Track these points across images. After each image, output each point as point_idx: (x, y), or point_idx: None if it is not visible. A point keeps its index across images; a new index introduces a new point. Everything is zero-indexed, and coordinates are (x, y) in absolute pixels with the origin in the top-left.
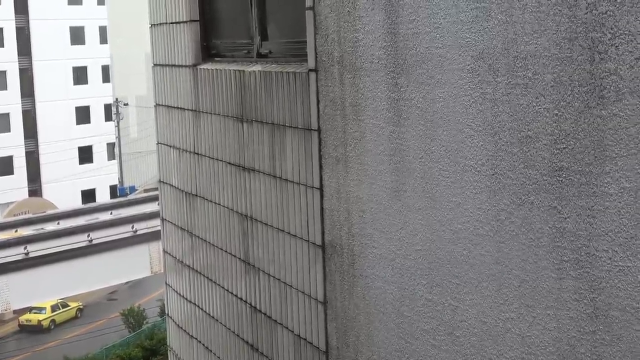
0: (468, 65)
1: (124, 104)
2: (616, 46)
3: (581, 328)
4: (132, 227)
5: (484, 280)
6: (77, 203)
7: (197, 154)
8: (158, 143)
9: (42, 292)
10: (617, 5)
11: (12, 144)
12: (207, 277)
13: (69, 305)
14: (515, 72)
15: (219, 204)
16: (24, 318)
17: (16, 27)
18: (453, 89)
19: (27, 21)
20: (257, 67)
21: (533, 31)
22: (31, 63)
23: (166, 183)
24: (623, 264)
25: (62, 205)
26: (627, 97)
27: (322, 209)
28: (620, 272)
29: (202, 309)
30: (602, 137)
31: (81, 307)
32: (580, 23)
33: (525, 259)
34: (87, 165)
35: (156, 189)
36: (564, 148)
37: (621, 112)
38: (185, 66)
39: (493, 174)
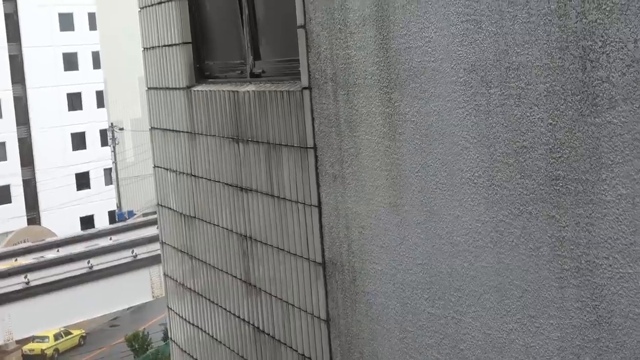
0: (461, 77)
1: (120, 129)
2: (607, 54)
3: (585, 336)
4: (132, 252)
5: (486, 291)
6: (76, 230)
7: (194, 175)
8: (155, 166)
9: (44, 320)
10: (607, 14)
11: (9, 172)
12: (209, 299)
13: (71, 333)
14: (508, 83)
15: (218, 225)
16: (27, 348)
17: (9, 55)
18: (447, 102)
19: (20, 49)
20: (250, 87)
21: (524, 42)
22: (25, 90)
23: (164, 206)
24: (624, 270)
25: (61, 233)
26: (620, 104)
27: (321, 226)
28: (622, 279)
29: (205, 332)
30: (597, 145)
31: (84, 334)
32: (571, 32)
33: (526, 269)
34: (84, 192)
35: (155, 212)
36: (559, 157)
37: (615, 119)
38: (179, 88)
39: (490, 186)
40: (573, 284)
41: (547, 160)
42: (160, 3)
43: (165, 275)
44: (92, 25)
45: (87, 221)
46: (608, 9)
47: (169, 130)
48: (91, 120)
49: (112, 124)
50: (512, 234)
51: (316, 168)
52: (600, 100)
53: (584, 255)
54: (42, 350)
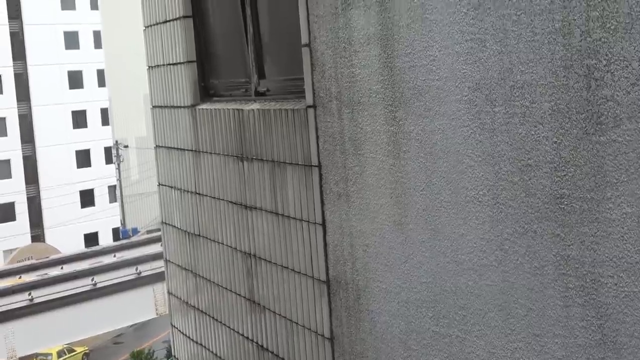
0: (465, 96)
1: (124, 146)
2: (612, 72)
3: (590, 355)
4: (136, 269)
5: (491, 310)
6: (80, 247)
7: (199, 193)
8: (159, 184)
9: (47, 337)
10: (611, 32)
11: (13, 190)
12: (213, 317)
13: (75, 351)
14: (512, 102)
15: (222, 243)
16: None
17: (14, 73)
18: (451, 120)
19: (25, 67)
20: (255, 106)
21: (529, 60)
22: (30, 108)
23: (168, 224)
24: (629, 289)
25: (66, 250)
26: (625, 122)
27: (325, 244)
28: (627, 298)
29: (208, 350)
30: (602, 163)
31: (87, 351)
32: (575, 51)
33: (530, 287)
34: (89, 209)
35: (159, 230)
36: (564, 175)
37: (620, 138)
38: (184, 107)
39: (495, 204)
40: (578, 303)
41: (552, 178)
42: (165, 22)
43: (169, 292)
44: (97, 44)
45: (91, 238)
46: (612, 27)
47: (174, 148)
48: (96, 137)
49: (116, 141)
50: (516, 252)
51: (320, 186)
52: (605, 118)
53: (589, 274)
54: None
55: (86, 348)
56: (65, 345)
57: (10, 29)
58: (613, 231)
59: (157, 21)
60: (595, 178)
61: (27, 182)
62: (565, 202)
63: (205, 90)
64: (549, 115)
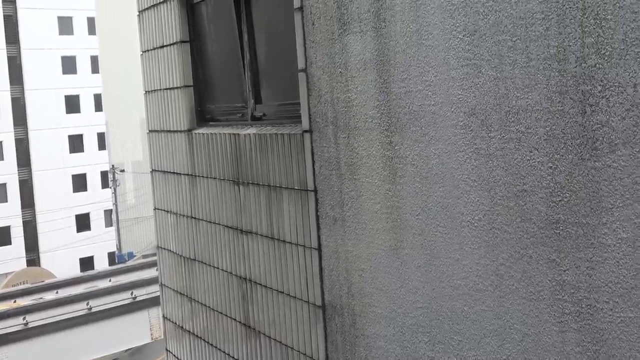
0: (461, 121)
1: (121, 171)
2: (607, 98)
3: None
4: (132, 294)
5: (486, 335)
6: (75, 271)
7: (195, 218)
8: (155, 208)
9: None
10: (606, 58)
11: (9, 214)
12: (208, 342)
13: None
14: (508, 127)
15: (218, 268)
16: None
17: (12, 97)
18: (447, 145)
19: (22, 91)
20: (251, 130)
21: (524, 86)
22: (27, 132)
23: (164, 248)
24: (624, 314)
25: (61, 274)
26: (620, 148)
27: (321, 269)
28: (622, 323)
29: None
30: (597, 189)
31: None
32: (570, 76)
33: (526, 312)
34: (85, 233)
35: (154, 254)
36: (559, 201)
37: (615, 163)
38: (181, 131)
39: (490, 229)
40: (574, 328)
41: (548, 203)
42: (162, 47)
43: (164, 317)
44: (95, 68)
45: (86, 263)
46: (607, 53)
47: (170, 172)
48: (92, 162)
49: (113, 166)
50: (512, 277)
51: (316, 211)
52: (600, 144)
53: (585, 299)
54: None
55: None
56: None
57: (8, 54)
58: (609, 256)
59: (155, 46)
60: (590, 203)
61: (23, 206)
62: (561, 227)
63: (202, 115)
64: (544, 140)
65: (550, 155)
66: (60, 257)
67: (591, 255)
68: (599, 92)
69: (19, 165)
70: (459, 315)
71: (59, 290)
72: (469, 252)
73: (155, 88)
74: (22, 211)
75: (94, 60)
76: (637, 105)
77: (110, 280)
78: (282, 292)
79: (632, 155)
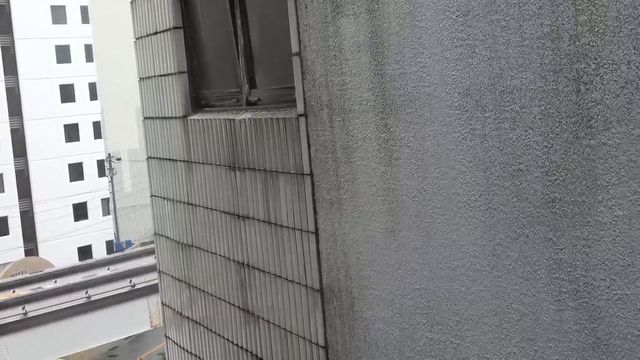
0: (456, 102)
1: (117, 159)
2: (601, 76)
3: (584, 359)
4: (130, 282)
5: (484, 315)
6: (73, 260)
7: (191, 204)
8: (152, 195)
9: (42, 351)
10: (600, 36)
11: (6, 204)
12: (207, 328)
13: None
14: (502, 107)
15: (215, 254)
16: None
17: (6, 87)
18: (442, 126)
19: (17, 81)
20: (247, 115)
21: (518, 65)
22: (22, 122)
23: (162, 235)
24: (621, 292)
25: (59, 263)
26: (614, 125)
27: (318, 252)
28: (619, 301)
29: None
30: (593, 167)
31: None
32: (564, 55)
33: (523, 292)
34: (82, 222)
35: (152, 242)
36: (555, 179)
37: (610, 141)
38: (176, 118)
39: (487, 209)
40: (571, 307)
41: (543, 182)
42: (155, 33)
43: (163, 304)
44: (89, 57)
45: (84, 251)
46: (601, 31)
47: (166, 159)
48: (88, 151)
49: (109, 154)
50: (509, 257)
51: (313, 195)
52: (594, 122)
53: (582, 278)
54: None
55: None
56: (60, 359)
57: (1, 44)
58: (605, 234)
59: (148, 33)
60: (586, 181)
61: (20, 196)
62: (557, 206)
63: (197, 101)
64: (539, 119)
65: (546, 134)
66: (58, 246)
67: (587, 233)
68: (593, 70)
69: (15, 155)
70: (456, 296)
71: (58, 280)
72: (466, 233)
73: (150, 75)
74: (19, 201)
75: (88, 48)
76: (631, 82)
77: (108, 269)
78: (280, 277)
79: (626, 132)
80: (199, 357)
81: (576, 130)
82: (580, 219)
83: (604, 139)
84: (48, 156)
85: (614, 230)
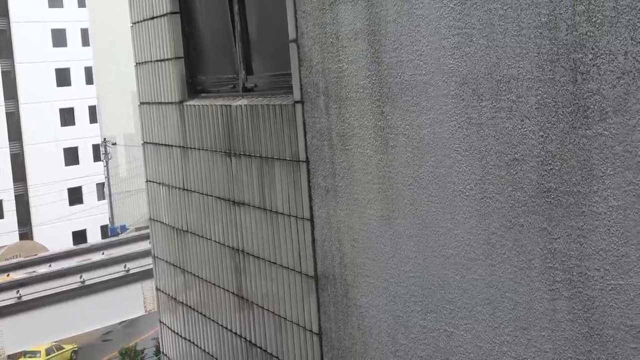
0: (452, 90)
1: (113, 144)
2: (598, 66)
3: (577, 348)
4: (125, 267)
5: (478, 304)
6: (68, 244)
7: (187, 190)
8: (147, 181)
9: (36, 335)
10: (597, 26)
11: (1, 188)
12: (201, 313)
13: (63, 348)
14: (499, 96)
15: (210, 239)
16: None
17: (2, 71)
18: (438, 114)
19: (13, 64)
20: (243, 102)
21: (515, 54)
22: (18, 106)
23: (156, 220)
24: (615, 282)
25: (54, 247)
26: (610, 116)
27: (313, 239)
28: (613, 291)
29: (197, 346)
30: (589, 157)
31: (76, 349)
32: (562, 45)
33: (517, 281)
34: (77, 206)
35: (147, 227)
36: (551, 169)
37: (606, 131)
38: (172, 103)
39: (482, 198)
40: (565, 296)
41: (539, 172)
42: (152, 18)
43: (157, 289)
44: (85, 41)
45: (79, 236)
46: (598, 21)
47: (162, 144)
48: (84, 135)
49: (105, 139)
50: (504, 246)
51: (308, 181)
52: (591, 112)
53: (576, 267)
54: None
55: (75, 345)
56: (53, 343)
57: None
58: (599, 224)
59: (145, 17)
60: (581, 171)
61: (15, 180)
62: (552, 196)
63: (193, 87)
64: (535, 109)
65: (542, 124)
66: (53, 230)
67: (582, 223)
68: (590, 60)
69: (10, 139)
70: (451, 284)
71: (52, 264)
72: (461, 222)
73: (146, 60)
74: (14, 185)
75: (84, 32)
76: (628, 73)
77: (103, 253)
78: (275, 263)
79: (623, 123)
80: (193, 343)
81: (572, 120)
82: (575, 208)
83: (600, 129)
84: (43, 140)
85: (609, 221)
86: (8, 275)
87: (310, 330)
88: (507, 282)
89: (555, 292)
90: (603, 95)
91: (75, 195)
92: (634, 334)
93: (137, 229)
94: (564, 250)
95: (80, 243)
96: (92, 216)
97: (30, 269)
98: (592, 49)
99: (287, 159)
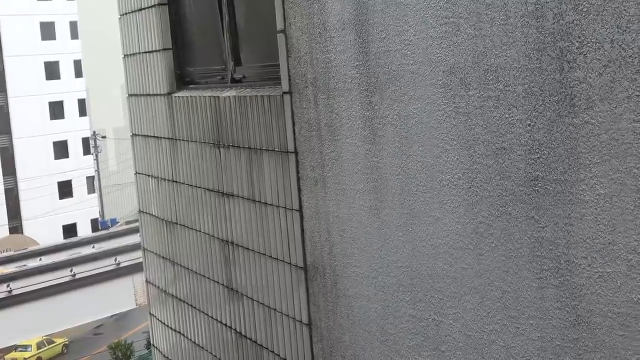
0: (440, 80)
1: (102, 137)
2: (584, 54)
3: (565, 336)
4: (115, 260)
5: (466, 293)
6: (58, 238)
7: (176, 181)
8: (136, 173)
9: (27, 329)
10: (583, 14)
11: None
12: (191, 305)
13: (54, 342)
14: (486, 85)
15: (200, 231)
16: (9, 357)
17: None
18: (426, 104)
19: (1, 58)
20: (231, 93)
21: (502, 43)
22: (7, 99)
23: (146, 212)
24: (602, 270)
25: (44, 241)
26: (597, 104)
27: (302, 230)
28: (600, 279)
29: (187, 338)
30: (575, 145)
31: (67, 343)
32: (548, 33)
33: (506, 270)
34: (67, 200)
35: (137, 220)
36: (538, 158)
37: (592, 120)
38: (160, 95)
39: (470, 187)
40: (552, 284)
41: (526, 161)
42: (140, 9)
43: (147, 281)
44: (74, 34)
45: (69, 230)
46: (585, 10)
47: (150, 136)
48: (73, 128)
49: (94, 132)
50: (492, 235)
51: (297, 172)
52: (577, 100)
53: (563, 256)
54: (25, 359)
55: (66, 339)
56: (44, 337)
57: None
58: (586, 212)
59: (133, 9)
60: (568, 160)
61: (4, 174)
62: (540, 185)
63: (181, 78)
64: (522, 98)
65: (529, 113)
66: (43, 224)
67: (569, 211)
68: (577, 48)
69: (0, 132)
70: (439, 273)
71: (43, 258)
72: (449, 211)
73: (134, 51)
74: (3, 178)
75: (73, 26)
76: (614, 61)
77: (93, 247)
78: (264, 254)
79: (609, 111)
80: (183, 335)
81: (559, 108)
82: (563, 197)
83: (587, 117)
84: (33, 133)
85: (596, 209)
86: None
87: (300, 321)
88: (496, 271)
89: (543, 280)
90: (589, 83)
91: (65, 189)
92: (621, 321)
93: (128, 223)
94: (552, 239)
95: (71, 237)
96: (82, 209)
97: (20, 263)
98: (579, 38)
99: (276, 149)
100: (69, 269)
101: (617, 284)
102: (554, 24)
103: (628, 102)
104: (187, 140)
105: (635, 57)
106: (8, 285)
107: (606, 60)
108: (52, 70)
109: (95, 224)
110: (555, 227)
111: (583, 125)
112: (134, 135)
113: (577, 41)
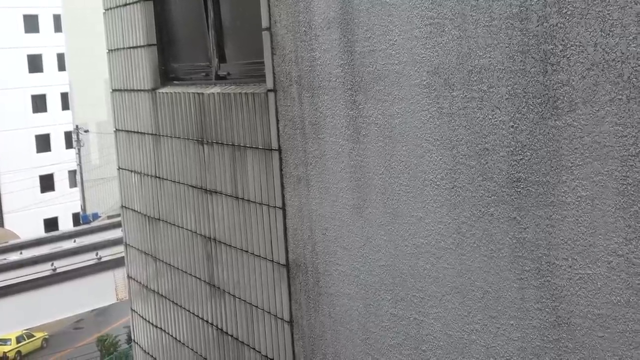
0: (424, 80)
1: (85, 131)
2: (568, 57)
3: (544, 337)
4: (97, 255)
5: (448, 293)
6: (39, 232)
7: (159, 177)
8: (119, 168)
9: (6, 323)
10: (567, 17)
11: None
12: (173, 302)
13: (34, 336)
14: (470, 86)
15: (182, 227)
16: None
17: None
18: (410, 104)
19: None
20: (215, 89)
21: (486, 45)
22: None
23: (128, 208)
24: (583, 271)
25: (25, 235)
26: (580, 107)
27: (285, 228)
28: (580, 280)
29: (168, 334)
30: (558, 147)
31: (47, 337)
32: (532, 36)
33: (487, 270)
34: (49, 194)
35: (119, 215)
36: (520, 159)
37: (575, 122)
38: (144, 90)
39: (452, 187)
40: (533, 285)
41: (509, 162)
42: (125, 5)
43: (129, 277)
44: (58, 27)
45: (51, 223)
46: (569, 12)
47: (134, 132)
48: (56, 122)
49: (77, 126)
50: (473, 235)
51: (281, 170)
52: (560, 103)
53: (544, 257)
54: (4, 353)
55: (46, 333)
56: (24, 331)
57: None
58: (568, 214)
59: (117, 4)
60: (551, 162)
61: None
62: (522, 186)
63: (166, 74)
64: (506, 99)
65: (512, 114)
66: (24, 217)
67: (551, 213)
68: (560, 51)
69: None
70: (421, 273)
71: (23, 251)
72: (431, 211)
73: (119, 47)
74: None
75: (57, 18)
76: (597, 64)
77: (74, 241)
78: (247, 252)
79: (592, 114)
80: (164, 331)
81: (542, 110)
82: (544, 198)
83: (570, 120)
84: (15, 127)
85: (577, 211)
86: None
87: (282, 319)
88: (477, 271)
89: (524, 281)
90: (572, 86)
91: (46, 183)
92: (601, 322)
93: (109, 217)
94: (533, 240)
95: (52, 230)
96: (63, 203)
97: (0, 257)
98: (562, 40)
99: (260, 147)
100: (50, 263)
101: (598, 286)
102: (538, 26)
103: (610, 105)
104: (171, 137)
105: (618, 61)
106: None
107: (589, 64)
108: (35, 63)
109: (77, 218)
110: (536, 228)
111: (565, 127)
112: (117, 130)
113: (560, 44)
